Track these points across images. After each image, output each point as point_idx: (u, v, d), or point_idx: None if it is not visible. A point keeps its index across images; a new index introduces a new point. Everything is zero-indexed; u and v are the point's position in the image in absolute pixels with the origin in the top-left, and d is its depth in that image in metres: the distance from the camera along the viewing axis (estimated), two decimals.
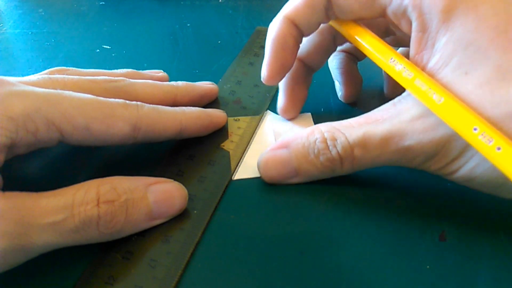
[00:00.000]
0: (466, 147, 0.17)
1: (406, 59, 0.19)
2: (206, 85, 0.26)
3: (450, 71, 0.17)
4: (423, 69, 0.19)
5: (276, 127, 0.25)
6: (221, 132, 0.24)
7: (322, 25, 0.23)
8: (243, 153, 0.23)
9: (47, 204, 0.16)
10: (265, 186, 0.22)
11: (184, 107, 0.23)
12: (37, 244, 0.16)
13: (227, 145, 0.23)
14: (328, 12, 0.21)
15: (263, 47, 0.31)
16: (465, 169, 0.18)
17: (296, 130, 0.25)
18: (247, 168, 0.22)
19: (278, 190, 0.21)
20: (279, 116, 0.26)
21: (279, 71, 0.23)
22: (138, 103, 0.20)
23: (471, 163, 0.18)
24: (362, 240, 0.19)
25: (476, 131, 0.16)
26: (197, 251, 0.18)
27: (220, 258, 0.18)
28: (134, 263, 0.17)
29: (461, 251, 0.19)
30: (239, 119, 0.25)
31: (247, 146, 0.24)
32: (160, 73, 0.27)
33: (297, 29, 0.22)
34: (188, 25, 0.36)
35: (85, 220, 0.16)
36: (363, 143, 0.19)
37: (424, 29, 0.18)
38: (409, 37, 0.19)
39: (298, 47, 0.23)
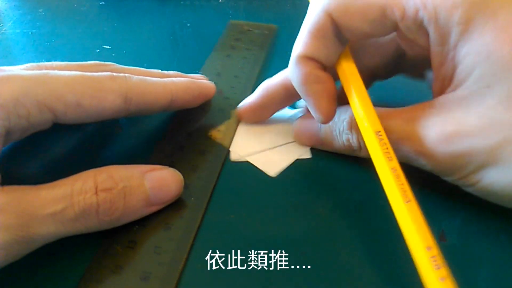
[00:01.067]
0: (483, 165, 0.17)
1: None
2: (204, 83, 0.26)
3: (472, 83, 0.17)
4: (449, 83, 0.18)
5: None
6: (209, 121, 0.25)
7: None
8: (232, 138, 0.24)
9: (47, 195, 0.16)
10: (265, 186, 0.22)
11: (173, 78, 0.23)
12: (39, 234, 0.16)
13: (215, 134, 0.24)
14: (340, 38, 0.20)
15: (238, 39, 0.32)
16: (484, 183, 0.18)
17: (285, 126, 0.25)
18: (239, 149, 0.23)
19: (278, 190, 0.21)
20: None
21: (331, 102, 0.21)
22: (126, 74, 0.20)
23: (488, 180, 0.17)
24: (362, 240, 0.19)
25: (429, 250, 0.15)
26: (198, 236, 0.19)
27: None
28: (139, 251, 0.18)
29: (461, 251, 0.19)
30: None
31: (234, 132, 0.24)
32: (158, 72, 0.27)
33: (318, 63, 0.20)
34: (188, 25, 0.36)
35: (84, 209, 0.16)
36: None
37: (443, 42, 0.18)
38: (420, 57, 0.19)
39: (329, 74, 0.21)
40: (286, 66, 0.25)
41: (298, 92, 0.21)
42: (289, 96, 0.24)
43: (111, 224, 0.18)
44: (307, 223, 0.20)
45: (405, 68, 0.24)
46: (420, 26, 0.18)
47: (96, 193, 0.17)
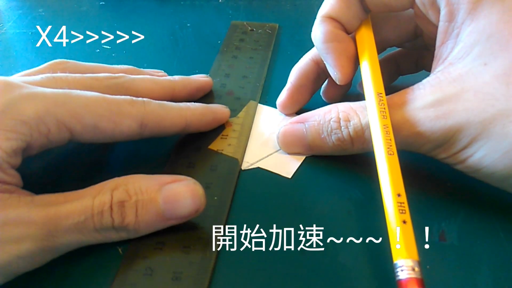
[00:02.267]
0: (476, 137, 0.17)
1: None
2: (201, 78, 0.27)
3: (470, 61, 0.18)
4: (444, 59, 0.19)
5: (271, 118, 0.26)
6: (220, 130, 0.25)
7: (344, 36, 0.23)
8: (246, 141, 0.24)
9: (71, 206, 0.17)
10: (265, 186, 0.22)
11: (189, 103, 0.23)
12: (63, 244, 0.17)
13: (230, 134, 0.24)
14: (363, 4, 0.22)
15: (242, 40, 0.33)
16: (473, 159, 0.18)
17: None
18: (253, 155, 0.23)
19: (278, 190, 0.21)
20: (273, 110, 0.27)
21: (350, 65, 0.22)
22: (145, 99, 0.21)
23: (480, 153, 0.18)
24: (362, 240, 0.19)
25: (399, 197, 0.17)
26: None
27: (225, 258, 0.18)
28: (168, 252, 0.18)
29: (461, 251, 0.19)
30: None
31: (248, 134, 0.25)
32: (160, 73, 0.27)
33: (341, 25, 0.22)
34: (188, 25, 0.36)
35: (102, 221, 0.17)
36: None
37: (451, 18, 0.18)
38: (435, 36, 0.20)
39: (351, 38, 0.23)
40: (289, 64, 0.25)
41: (319, 51, 0.23)
42: (321, 72, 0.25)
43: (129, 235, 0.18)
44: (307, 223, 0.20)
45: (424, 63, 0.26)
46: (433, 2, 0.19)
47: (111, 206, 0.17)
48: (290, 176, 0.22)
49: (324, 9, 0.22)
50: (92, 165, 0.23)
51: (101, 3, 0.39)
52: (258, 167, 0.23)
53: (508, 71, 0.17)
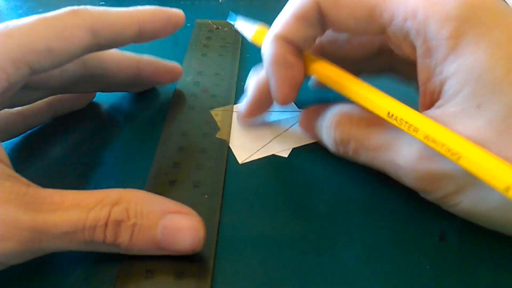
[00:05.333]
0: (468, 185, 0.17)
1: (406, 109, 0.18)
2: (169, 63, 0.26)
3: (462, 101, 0.16)
4: (436, 98, 0.17)
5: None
6: (202, 128, 0.25)
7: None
8: (229, 133, 0.24)
9: (64, 217, 0.16)
10: (265, 186, 0.22)
11: (138, 6, 0.21)
12: (49, 248, 0.16)
13: (212, 131, 0.24)
14: (324, 27, 0.20)
15: (209, 38, 0.33)
16: (465, 205, 0.17)
17: (282, 115, 0.26)
18: (243, 152, 0.24)
19: (278, 190, 0.21)
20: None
21: (292, 90, 0.21)
22: (87, 6, 0.19)
23: (472, 201, 0.17)
24: (362, 240, 0.19)
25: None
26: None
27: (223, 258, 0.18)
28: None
29: (461, 251, 0.19)
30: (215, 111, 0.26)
31: (230, 126, 0.25)
32: None
33: (294, 46, 0.21)
34: (188, 25, 0.36)
35: (93, 235, 0.16)
36: (360, 141, 0.20)
37: (429, 56, 0.17)
38: (406, 58, 0.19)
39: (302, 60, 0.21)
40: (260, 61, 0.25)
41: (265, 69, 0.21)
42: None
43: (120, 252, 0.17)
44: (307, 223, 0.20)
45: (395, 67, 0.24)
46: (406, 36, 0.18)
47: (106, 223, 0.16)
48: (287, 155, 0.23)
49: (277, 28, 0.20)
50: (90, 162, 0.23)
51: (101, 3, 0.39)
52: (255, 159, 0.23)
53: (500, 117, 0.15)
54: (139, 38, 0.21)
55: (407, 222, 0.20)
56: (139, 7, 0.21)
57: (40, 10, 0.38)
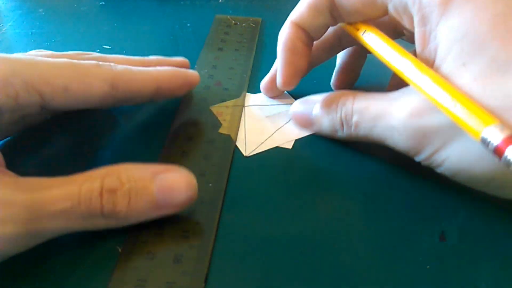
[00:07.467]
0: (453, 138, 0.18)
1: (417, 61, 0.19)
2: (184, 69, 0.26)
3: (450, 62, 0.17)
4: (432, 63, 0.19)
5: (261, 104, 0.27)
6: (211, 120, 0.25)
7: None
8: (237, 131, 0.25)
9: (57, 191, 0.16)
10: (265, 186, 0.22)
11: (157, 67, 0.23)
12: (48, 229, 0.16)
13: (220, 123, 0.25)
14: (334, 14, 0.22)
15: (226, 33, 0.34)
16: (450, 162, 0.18)
17: (282, 107, 0.27)
18: (248, 144, 0.24)
19: (277, 190, 0.21)
20: (261, 95, 0.27)
21: (293, 76, 0.24)
22: (111, 63, 0.20)
23: (454, 157, 0.18)
24: (362, 240, 0.19)
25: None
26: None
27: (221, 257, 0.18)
28: (168, 237, 0.19)
29: (461, 251, 0.19)
30: (222, 106, 0.26)
31: (238, 125, 0.25)
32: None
33: (305, 33, 0.23)
34: (188, 25, 0.36)
35: (89, 209, 0.16)
36: (361, 113, 0.20)
37: (425, 23, 0.18)
38: (410, 31, 0.20)
39: (310, 49, 0.24)
40: (275, 57, 0.26)
41: (277, 51, 0.24)
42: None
43: (118, 224, 0.17)
44: (307, 223, 0.20)
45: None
46: (405, 9, 0.19)
47: (101, 193, 0.16)
48: (290, 147, 0.24)
49: (293, 14, 0.23)
50: (88, 161, 0.23)
51: (101, 3, 0.39)
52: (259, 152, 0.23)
53: (484, 72, 0.16)
54: (155, 96, 0.22)
55: (407, 222, 0.20)
56: (159, 68, 0.23)
57: (40, 10, 0.38)
